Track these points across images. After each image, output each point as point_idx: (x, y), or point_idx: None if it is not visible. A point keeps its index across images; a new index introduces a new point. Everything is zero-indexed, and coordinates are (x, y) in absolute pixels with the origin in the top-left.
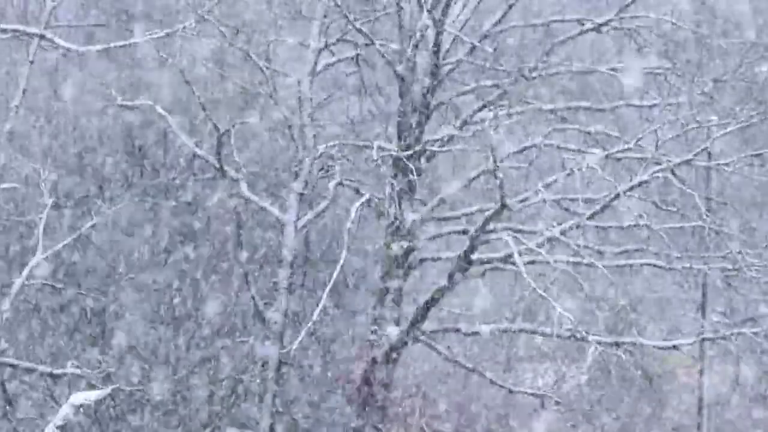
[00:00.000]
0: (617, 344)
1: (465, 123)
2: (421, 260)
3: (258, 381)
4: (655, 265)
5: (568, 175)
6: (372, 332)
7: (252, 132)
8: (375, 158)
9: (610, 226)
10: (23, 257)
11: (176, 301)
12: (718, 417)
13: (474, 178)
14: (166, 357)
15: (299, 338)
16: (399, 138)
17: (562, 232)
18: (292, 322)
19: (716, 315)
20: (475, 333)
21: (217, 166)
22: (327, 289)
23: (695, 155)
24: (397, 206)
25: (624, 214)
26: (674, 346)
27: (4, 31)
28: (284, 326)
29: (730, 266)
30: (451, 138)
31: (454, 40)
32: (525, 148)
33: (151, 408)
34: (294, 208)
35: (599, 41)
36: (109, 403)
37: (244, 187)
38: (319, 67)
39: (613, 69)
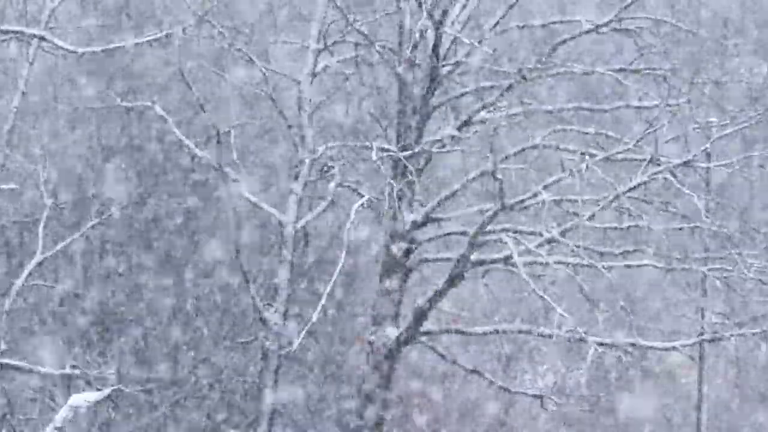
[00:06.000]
0: (616, 345)
1: (464, 124)
2: (421, 261)
3: (258, 381)
4: (655, 266)
5: (568, 176)
6: (372, 333)
7: (252, 133)
8: (374, 159)
9: (610, 227)
10: (23, 257)
11: (176, 301)
12: (717, 417)
13: (474, 179)
14: (166, 358)
15: (299, 338)
16: (398, 139)
17: (562, 233)
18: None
19: (716, 316)
20: (475, 334)
21: (217, 167)
22: (327, 289)
23: (695, 156)
24: (397, 207)
25: (624, 215)
26: (674, 347)
27: (5, 32)
28: (284, 326)
29: (729, 267)
30: (450, 139)
31: (453, 41)
32: (525, 149)
33: (150, 409)
34: (293, 209)
35: (599, 42)
36: (109, 405)
37: (244, 187)
38: (318, 68)
39: (612, 70)
